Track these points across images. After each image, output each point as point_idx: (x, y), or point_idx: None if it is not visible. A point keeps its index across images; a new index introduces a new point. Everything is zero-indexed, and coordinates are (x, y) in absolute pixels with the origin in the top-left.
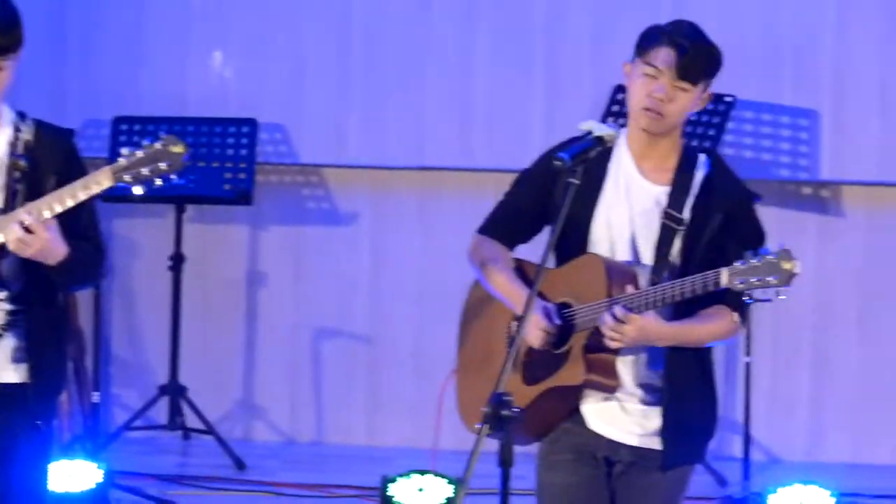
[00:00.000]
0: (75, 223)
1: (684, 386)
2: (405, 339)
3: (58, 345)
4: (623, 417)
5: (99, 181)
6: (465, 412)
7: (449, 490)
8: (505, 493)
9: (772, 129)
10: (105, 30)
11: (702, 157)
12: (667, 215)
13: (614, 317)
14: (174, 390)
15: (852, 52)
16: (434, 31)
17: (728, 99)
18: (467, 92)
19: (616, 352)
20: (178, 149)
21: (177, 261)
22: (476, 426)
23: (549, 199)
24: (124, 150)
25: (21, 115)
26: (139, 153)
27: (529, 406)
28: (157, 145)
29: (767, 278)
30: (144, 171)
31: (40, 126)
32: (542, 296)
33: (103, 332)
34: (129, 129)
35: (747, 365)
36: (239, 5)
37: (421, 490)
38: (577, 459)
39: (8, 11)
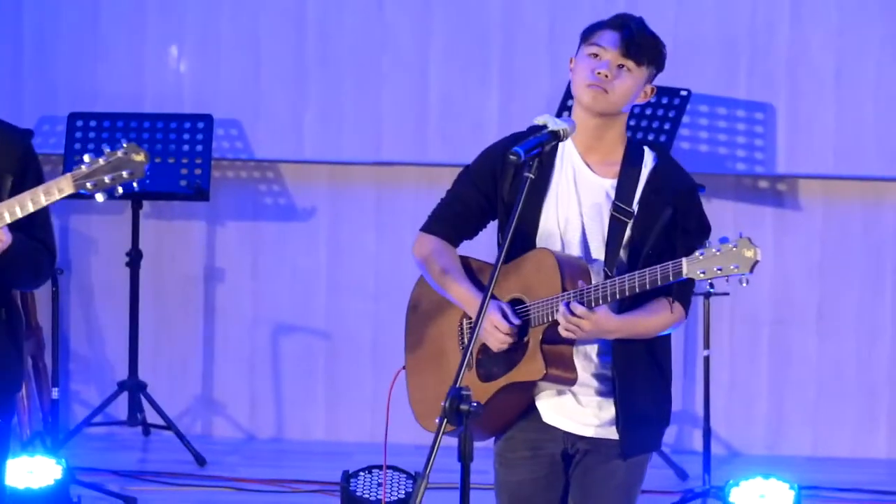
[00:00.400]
0: (28, 224)
1: (635, 375)
2: (363, 335)
3: (12, 341)
4: (578, 409)
5: (61, 188)
6: (419, 410)
7: (409, 484)
8: (465, 487)
9: (727, 123)
10: (61, 26)
11: (647, 150)
12: (616, 208)
13: (571, 311)
14: (134, 386)
15: (807, 46)
16: (389, 26)
17: (683, 93)
18: (423, 87)
19: (573, 345)
20: (139, 157)
21: (134, 257)
22: (435, 421)
23: (494, 195)
24: (87, 157)
25: None
26: (101, 160)
27: (487, 403)
28: (119, 153)
29: (730, 266)
30: (106, 178)
31: None
32: (493, 294)
33: (62, 329)
34: (84, 126)
35: (706, 358)
36: (194, 1)
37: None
38: (534, 456)
39: None
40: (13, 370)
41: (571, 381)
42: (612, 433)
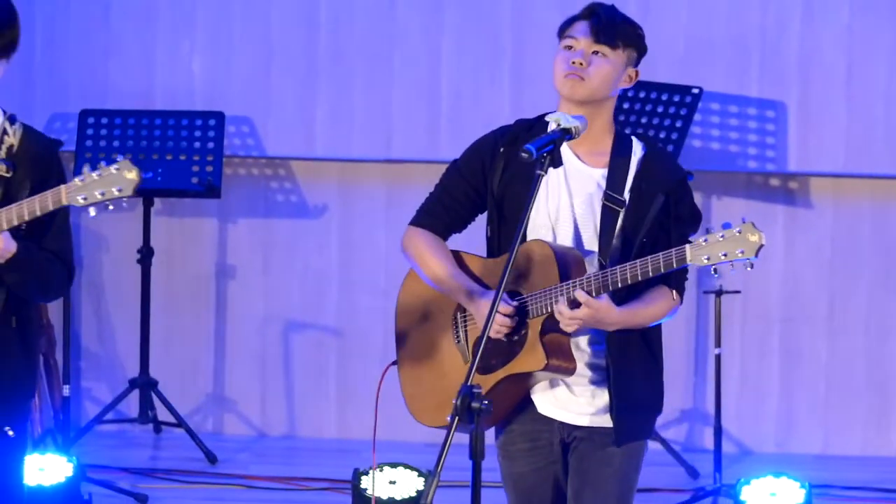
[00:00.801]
0: (42, 234)
1: (629, 363)
2: (375, 332)
3: (24, 350)
4: (573, 399)
5: (55, 199)
6: (414, 405)
7: (420, 482)
8: (476, 485)
9: (739, 121)
10: (71, 23)
11: (635, 140)
12: (607, 197)
13: (573, 301)
14: (145, 384)
15: (819, 44)
16: (401, 22)
17: (695, 91)
18: (434, 84)
19: (569, 335)
20: (131, 175)
21: (145, 254)
22: (430, 415)
23: (483, 188)
24: (85, 169)
25: (11, 119)
26: (94, 175)
27: (487, 394)
28: (112, 169)
29: (735, 251)
30: (97, 193)
31: (27, 132)
32: (486, 286)
33: (73, 326)
34: (95, 122)
35: (717, 356)
36: None
37: (392, 483)
38: (533, 448)
39: (6, 10)
40: (25, 380)
41: (570, 371)
42: (607, 421)
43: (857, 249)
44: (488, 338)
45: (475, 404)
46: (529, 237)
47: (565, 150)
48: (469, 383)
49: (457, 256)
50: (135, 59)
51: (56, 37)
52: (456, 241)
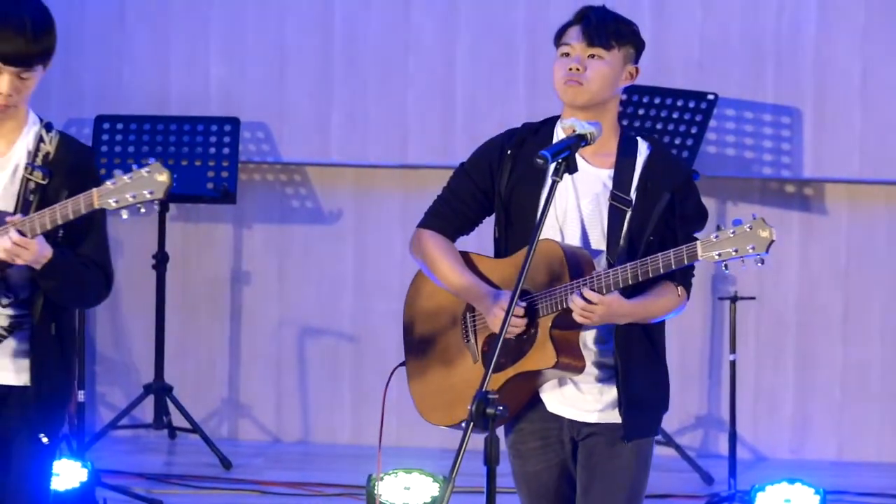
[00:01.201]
0: (80, 241)
1: (635, 362)
2: (390, 338)
3: (64, 355)
4: (580, 397)
5: (87, 203)
6: (423, 405)
7: (435, 488)
8: (491, 491)
9: (754, 128)
10: (87, 29)
11: (640, 140)
12: (614, 197)
13: (585, 299)
14: (159, 389)
15: (834, 50)
16: (415, 28)
17: (710, 97)
18: (449, 89)
19: (579, 334)
20: (162, 177)
21: (160, 260)
22: (439, 415)
23: (491, 190)
24: (115, 173)
25: (48, 126)
26: (125, 178)
27: (496, 392)
28: (143, 172)
29: (746, 247)
30: (128, 196)
31: (63, 139)
32: (497, 287)
33: (88, 331)
34: (111, 128)
35: (732, 363)
36: (220, 3)
37: (407, 488)
38: (545, 446)
39: (45, 17)
40: (63, 388)
41: (580, 370)
42: (615, 416)
43: (873, 255)
44: (488, 337)
45: (490, 410)
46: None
47: None
48: (484, 389)
49: (465, 257)
50: (150, 65)
51: (72, 43)
52: (465, 242)
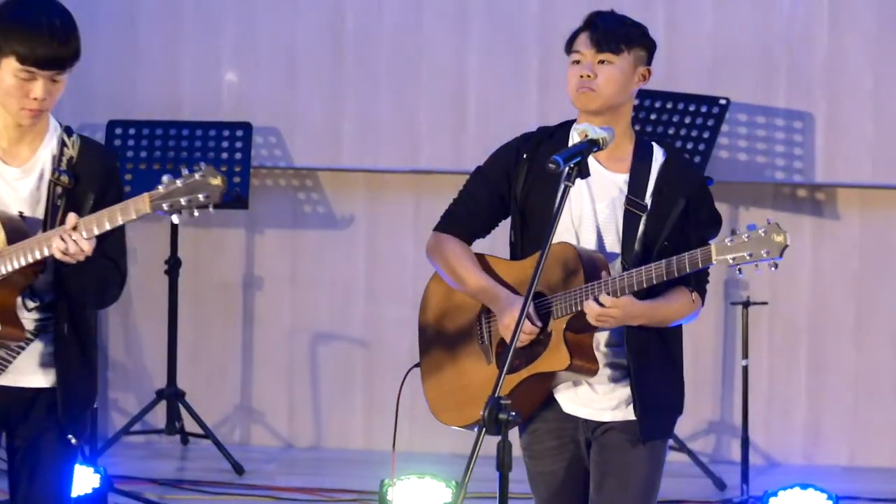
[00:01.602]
0: (102, 243)
1: (649, 364)
2: (402, 343)
3: (86, 357)
4: (595, 397)
5: (137, 208)
6: (436, 405)
7: (447, 494)
8: (503, 496)
9: (766, 132)
10: (99, 34)
11: (655, 146)
12: (629, 202)
13: (600, 303)
14: (172, 395)
15: (845, 54)
16: (427, 33)
17: (722, 102)
18: (461, 94)
19: (592, 336)
20: (216, 181)
21: (173, 265)
22: (451, 414)
23: (507, 194)
24: (164, 178)
25: (68, 131)
26: (178, 182)
27: (509, 394)
28: (196, 176)
29: (760, 251)
30: (182, 200)
31: (85, 143)
32: (512, 289)
33: (100, 337)
34: (123, 133)
35: (745, 368)
36: (232, 8)
37: (419, 494)
38: (560, 445)
39: (70, 20)
40: (88, 388)
41: (593, 372)
42: (629, 414)
43: (885, 260)
44: (514, 347)
45: (502, 415)
46: (554, 241)
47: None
48: (496, 394)
49: (481, 259)
50: (162, 70)
51: (83, 48)
52: (480, 245)
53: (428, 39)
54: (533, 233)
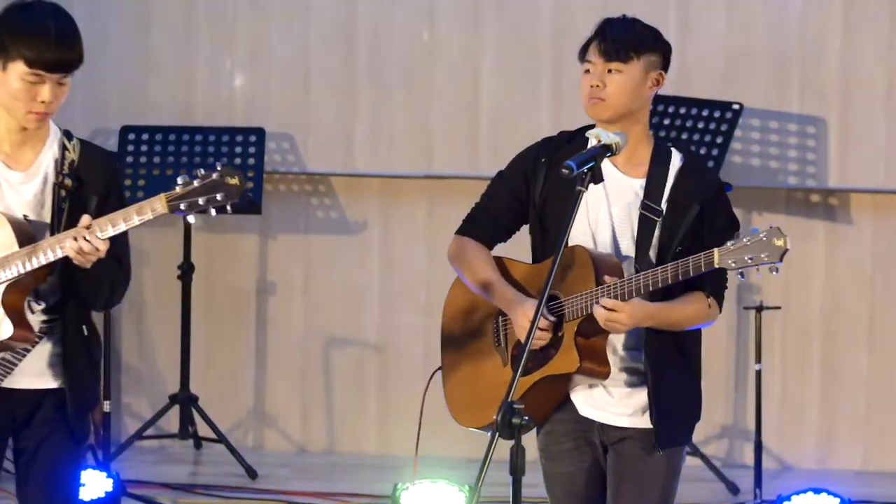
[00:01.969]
0: (111, 244)
1: (666, 369)
2: (415, 348)
3: (90, 361)
4: (611, 401)
5: (154, 208)
6: (454, 406)
7: (461, 498)
8: (516, 501)
9: (779, 137)
10: (112, 39)
11: (674, 151)
12: (645, 206)
13: (605, 308)
14: (185, 399)
15: (859, 59)
16: (440, 38)
17: (735, 107)
18: (474, 99)
19: (605, 339)
20: (234, 181)
21: (186, 270)
22: (467, 416)
23: (527, 198)
24: (180, 179)
25: (68, 135)
26: (195, 182)
27: (522, 396)
28: (214, 176)
29: (761, 255)
30: (200, 200)
31: (85, 146)
32: (526, 292)
33: (114, 341)
34: (136, 138)
35: (758, 372)
36: (246, 14)
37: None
38: (577, 447)
39: (73, 23)
40: (92, 390)
41: (604, 375)
42: (645, 422)
43: None
44: (528, 350)
45: (516, 420)
46: (570, 243)
47: (604, 160)
48: (510, 397)
49: (500, 262)
50: (175, 76)
51: (97, 53)
52: (502, 247)
53: (441, 45)
54: (551, 236)
